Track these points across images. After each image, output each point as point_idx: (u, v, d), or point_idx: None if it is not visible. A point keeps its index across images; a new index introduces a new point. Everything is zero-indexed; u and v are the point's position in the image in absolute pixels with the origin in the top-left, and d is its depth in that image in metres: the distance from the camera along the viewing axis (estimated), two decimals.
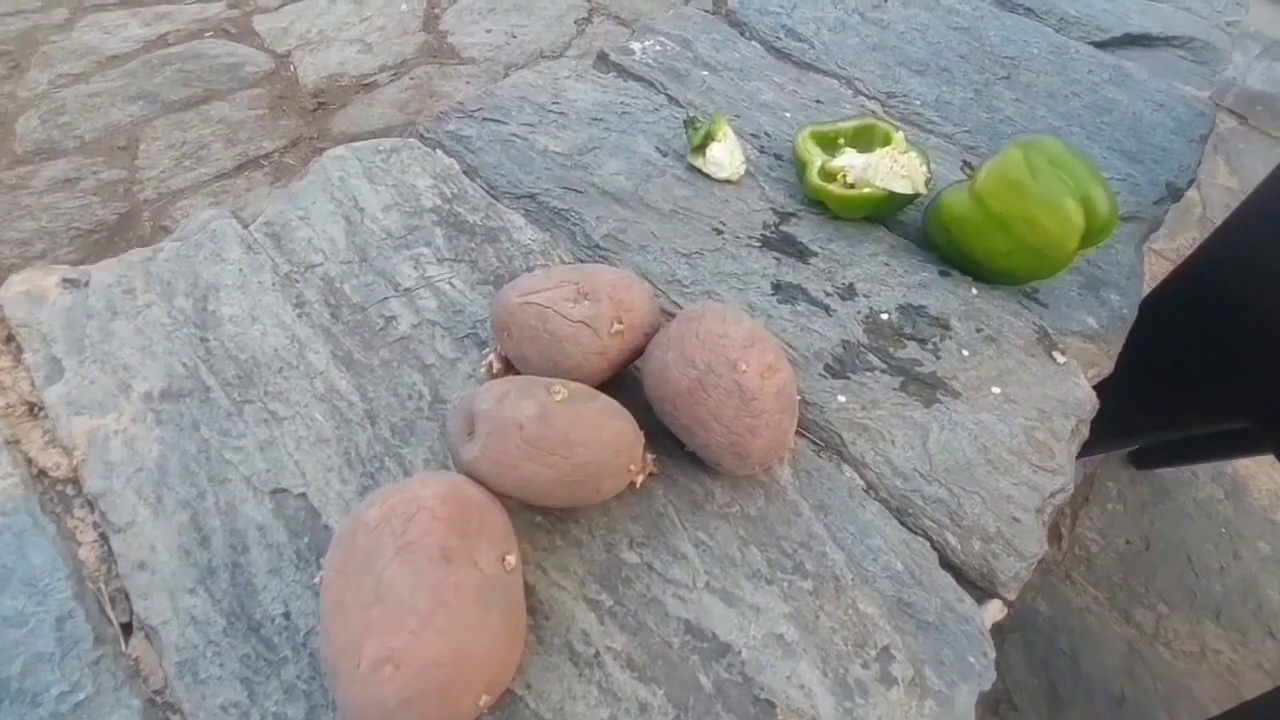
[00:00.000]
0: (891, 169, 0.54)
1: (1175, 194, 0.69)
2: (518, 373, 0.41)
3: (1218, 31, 0.96)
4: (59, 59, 1.61)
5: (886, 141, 0.58)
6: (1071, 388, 0.50)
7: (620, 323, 0.39)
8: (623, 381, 0.43)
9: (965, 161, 0.59)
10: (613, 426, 0.34)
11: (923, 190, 0.54)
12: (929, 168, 0.56)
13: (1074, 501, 1.20)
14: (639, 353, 0.41)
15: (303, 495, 0.37)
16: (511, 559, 0.30)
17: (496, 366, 0.42)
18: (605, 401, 0.35)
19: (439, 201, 0.54)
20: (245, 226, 0.50)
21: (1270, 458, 1.28)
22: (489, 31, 1.87)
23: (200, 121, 1.55)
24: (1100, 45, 0.88)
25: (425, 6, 1.92)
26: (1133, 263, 0.61)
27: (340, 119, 1.60)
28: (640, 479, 0.38)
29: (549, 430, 0.31)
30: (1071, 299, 0.57)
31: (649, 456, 0.39)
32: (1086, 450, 0.97)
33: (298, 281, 0.47)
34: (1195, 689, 1.03)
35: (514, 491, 0.32)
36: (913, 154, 0.55)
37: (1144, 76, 0.83)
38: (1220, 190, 1.75)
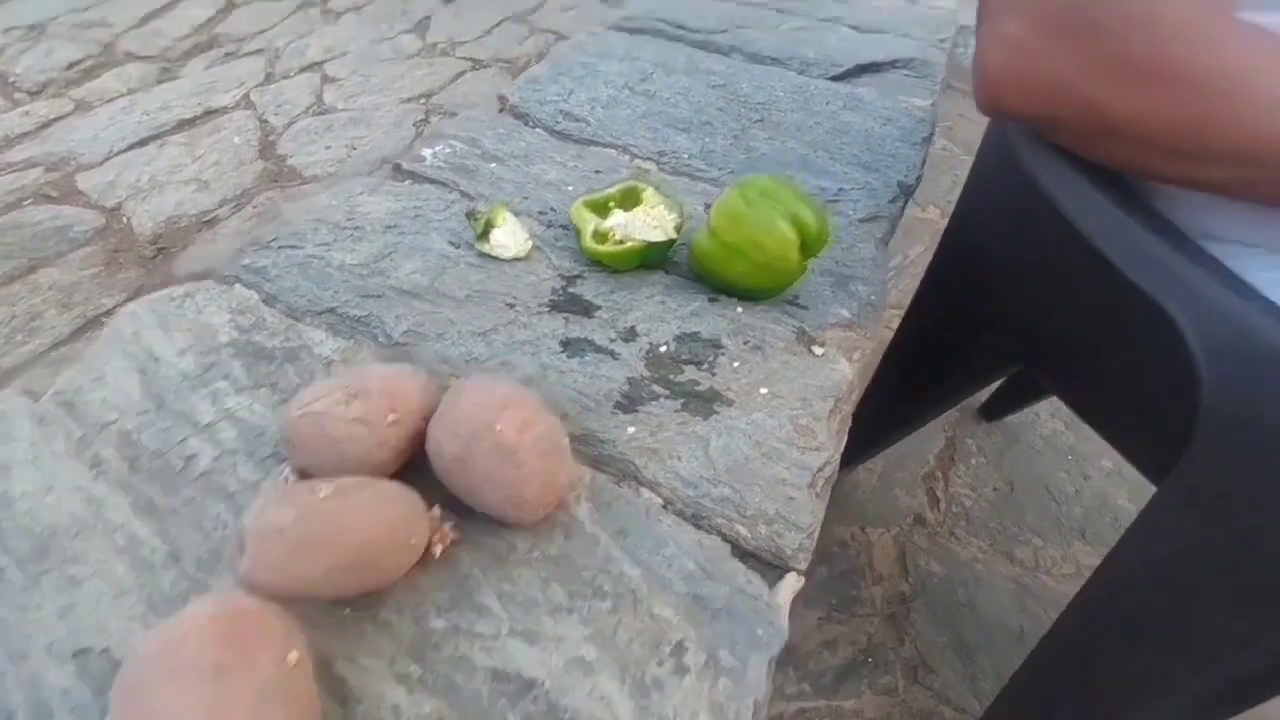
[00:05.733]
0: (646, 222, 0.62)
1: (906, 191, 0.82)
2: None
3: (933, 49, 1.14)
4: None
5: (642, 200, 0.66)
6: (829, 372, 0.58)
7: (395, 412, 0.43)
8: (420, 464, 0.47)
9: (706, 204, 0.69)
10: (382, 508, 0.38)
11: (674, 235, 0.62)
12: (680, 214, 0.64)
13: (942, 463, 1.32)
14: (423, 435, 0.45)
15: (105, 651, 0.38)
16: (293, 656, 0.33)
17: (292, 479, 0.45)
18: (380, 488, 0.39)
19: (236, 334, 0.57)
20: (36, 401, 0.51)
21: None
22: (328, 148, 1.91)
23: (29, 292, 1.48)
24: (837, 78, 1.03)
25: (259, 135, 1.95)
26: (875, 257, 0.72)
27: (184, 260, 1.59)
28: (439, 549, 0.42)
29: (312, 527, 0.35)
30: (826, 297, 0.66)
31: (447, 526, 0.43)
32: (919, 420, 1.06)
33: (92, 443, 0.48)
34: None
35: (293, 590, 0.35)
36: (661, 207, 0.64)
37: (873, 98, 0.98)
38: None
